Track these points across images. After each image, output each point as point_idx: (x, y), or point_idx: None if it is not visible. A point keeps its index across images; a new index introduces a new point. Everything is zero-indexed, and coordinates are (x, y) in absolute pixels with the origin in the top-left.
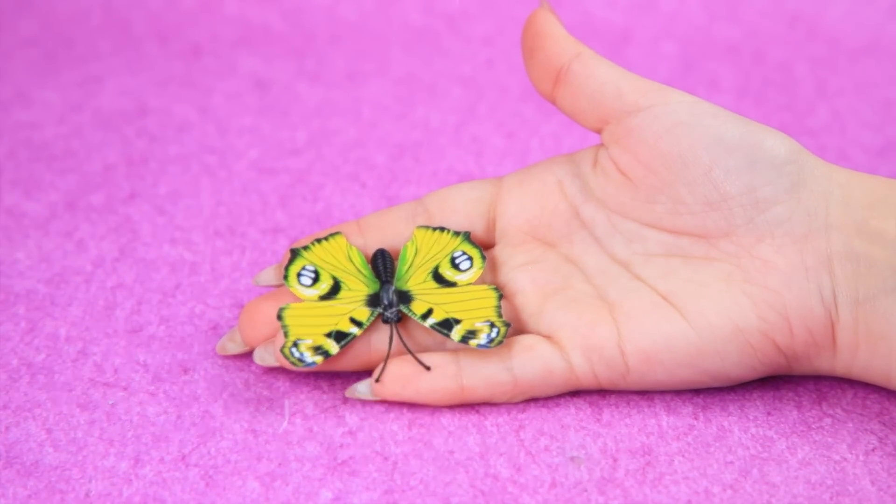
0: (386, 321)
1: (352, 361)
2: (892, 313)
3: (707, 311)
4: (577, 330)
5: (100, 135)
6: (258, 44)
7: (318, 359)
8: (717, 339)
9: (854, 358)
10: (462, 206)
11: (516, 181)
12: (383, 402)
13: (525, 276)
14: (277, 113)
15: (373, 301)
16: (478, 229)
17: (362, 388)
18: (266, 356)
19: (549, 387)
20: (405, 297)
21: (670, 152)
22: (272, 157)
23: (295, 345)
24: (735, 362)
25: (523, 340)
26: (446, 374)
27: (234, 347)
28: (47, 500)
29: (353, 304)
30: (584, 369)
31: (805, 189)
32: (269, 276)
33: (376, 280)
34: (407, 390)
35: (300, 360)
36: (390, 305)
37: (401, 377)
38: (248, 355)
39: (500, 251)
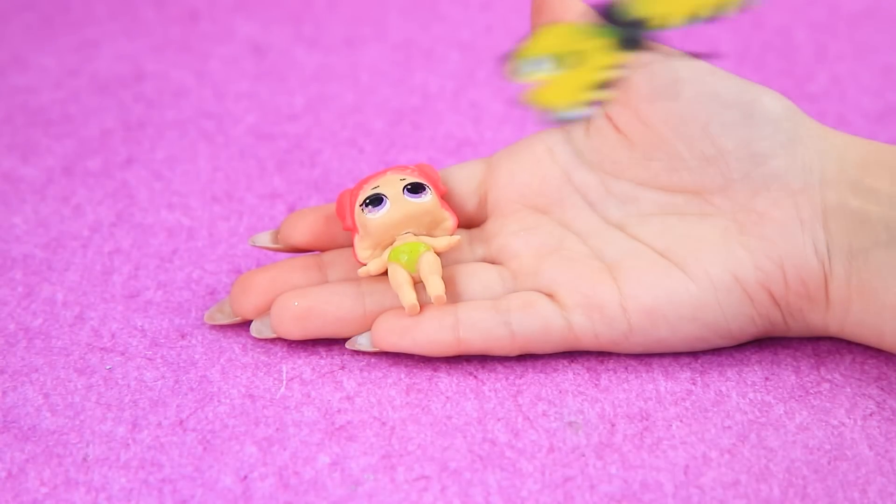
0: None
1: (348, 327)
2: (884, 267)
3: (705, 263)
4: (578, 288)
5: (97, 100)
6: (256, 8)
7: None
8: (717, 290)
9: (847, 313)
10: (453, 185)
11: (506, 154)
12: (380, 366)
13: (519, 241)
14: (275, 78)
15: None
16: (470, 206)
17: (362, 340)
18: (263, 329)
19: (546, 344)
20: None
21: (668, 107)
22: (270, 123)
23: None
24: (735, 313)
25: (523, 296)
26: (444, 325)
27: (224, 318)
28: (45, 465)
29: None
30: (584, 328)
31: (801, 145)
32: (265, 238)
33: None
34: (404, 340)
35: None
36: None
37: (398, 327)
38: (246, 321)
39: (492, 223)
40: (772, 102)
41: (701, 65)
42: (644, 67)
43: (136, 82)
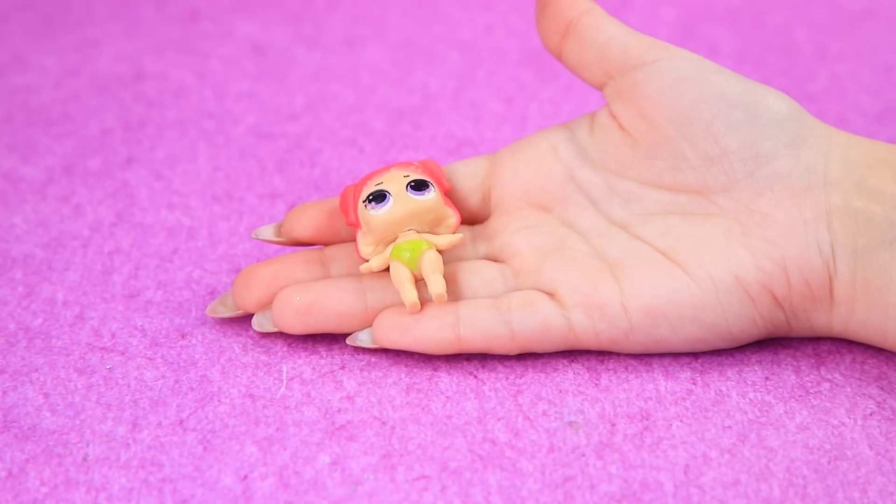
0: None
1: (350, 322)
2: (889, 266)
3: (707, 264)
4: (578, 288)
5: (97, 99)
6: (256, 8)
7: None
8: (719, 291)
9: (851, 312)
10: (457, 181)
11: (510, 151)
12: (380, 366)
13: (521, 239)
14: (275, 78)
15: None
16: (473, 203)
17: (363, 336)
18: (264, 322)
19: (546, 343)
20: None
21: (673, 106)
22: (270, 122)
23: None
24: (736, 314)
25: (524, 295)
26: (444, 323)
27: (226, 311)
28: (45, 465)
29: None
30: (584, 327)
31: (805, 146)
32: (268, 231)
33: None
34: (405, 338)
35: None
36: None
37: (399, 325)
38: (245, 320)
39: (495, 220)
40: (776, 103)
41: (706, 64)
42: (649, 66)
43: (136, 82)
